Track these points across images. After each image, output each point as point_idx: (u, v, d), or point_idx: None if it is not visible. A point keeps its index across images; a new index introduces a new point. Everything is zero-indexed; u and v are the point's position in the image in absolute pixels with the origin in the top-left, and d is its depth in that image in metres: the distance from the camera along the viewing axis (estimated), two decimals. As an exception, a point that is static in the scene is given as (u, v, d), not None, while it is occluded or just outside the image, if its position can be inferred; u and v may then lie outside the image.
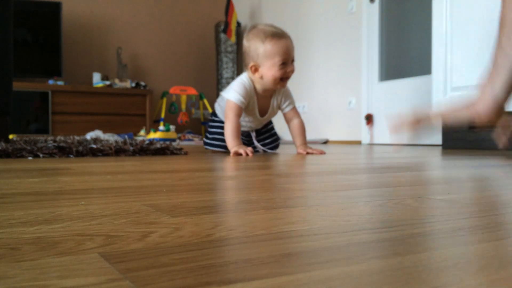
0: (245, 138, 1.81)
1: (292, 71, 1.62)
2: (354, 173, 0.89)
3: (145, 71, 4.84)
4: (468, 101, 0.90)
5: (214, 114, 1.87)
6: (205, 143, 1.86)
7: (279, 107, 1.77)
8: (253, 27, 1.67)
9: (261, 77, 1.62)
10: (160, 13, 4.87)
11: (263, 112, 1.74)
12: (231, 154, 1.53)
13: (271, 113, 1.77)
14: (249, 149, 1.52)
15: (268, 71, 1.59)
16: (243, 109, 1.66)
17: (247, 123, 1.77)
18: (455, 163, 1.18)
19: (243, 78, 1.67)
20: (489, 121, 0.87)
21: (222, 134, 1.77)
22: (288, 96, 1.76)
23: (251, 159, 1.37)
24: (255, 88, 1.68)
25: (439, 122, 0.94)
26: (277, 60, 1.58)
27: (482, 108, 0.86)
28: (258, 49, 1.59)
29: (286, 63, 1.59)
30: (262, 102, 1.72)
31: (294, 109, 1.77)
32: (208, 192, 0.61)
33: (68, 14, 4.42)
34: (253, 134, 1.80)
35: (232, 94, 1.64)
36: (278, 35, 1.59)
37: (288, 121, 1.78)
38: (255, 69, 1.62)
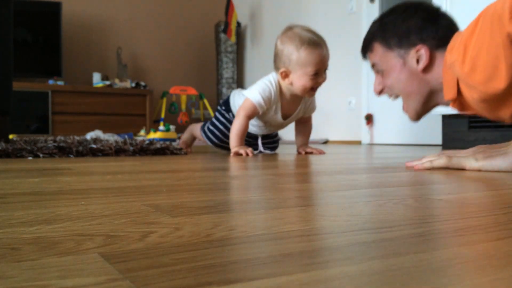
0: (252, 140, 1.76)
1: (324, 80, 1.55)
2: (354, 173, 0.89)
3: (145, 71, 4.84)
4: (506, 152, 0.89)
5: (227, 108, 1.76)
6: (204, 132, 1.80)
7: (304, 112, 1.70)
8: (289, 28, 1.56)
9: (291, 84, 1.55)
10: (160, 13, 4.87)
11: (286, 116, 1.67)
12: (232, 154, 1.53)
13: (294, 117, 1.70)
14: (249, 150, 1.51)
15: (299, 80, 1.52)
16: (258, 113, 1.59)
17: (262, 128, 1.72)
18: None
19: (271, 81, 1.58)
20: None
21: (224, 135, 1.73)
22: (315, 105, 1.73)
23: (251, 159, 1.37)
24: (281, 92, 1.60)
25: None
26: (309, 70, 1.49)
27: None
28: (292, 55, 1.50)
29: (319, 73, 1.52)
30: (287, 107, 1.64)
31: (311, 115, 1.76)
32: (208, 192, 0.61)
33: (68, 14, 4.42)
34: (260, 139, 1.77)
35: (255, 95, 1.56)
36: (314, 43, 1.50)
37: (300, 123, 1.75)
38: (286, 75, 1.54)
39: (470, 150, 0.97)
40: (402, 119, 3.14)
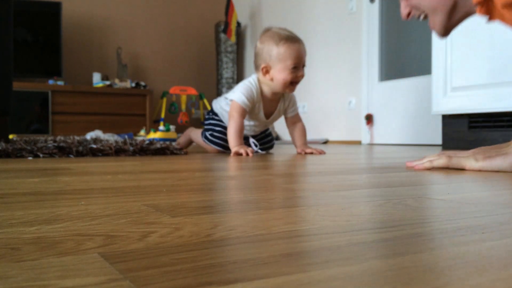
0: (244, 142, 1.80)
1: (302, 76, 1.63)
2: (354, 173, 0.89)
3: (145, 71, 4.84)
4: (506, 153, 0.88)
5: (214, 112, 1.84)
6: (206, 138, 1.81)
7: (285, 111, 1.77)
8: (267, 29, 1.68)
9: (271, 79, 1.62)
10: (160, 13, 4.87)
11: (268, 114, 1.74)
12: (232, 153, 1.54)
13: (276, 116, 1.77)
14: (249, 149, 1.52)
15: (279, 74, 1.60)
16: (247, 111, 1.65)
17: (251, 127, 1.76)
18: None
19: (251, 81, 1.67)
20: None
21: (224, 134, 1.75)
22: (294, 102, 1.79)
23: (251, 159, 1.37)
24: (262, 91, 1.68)
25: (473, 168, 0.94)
26: (289, 64, 1.58)
27: None
28: (272, 51, 1.60)
29: (298, 68, 1.61)
30: (268, 105, 1.72)
31: (298, 114, 1.80)
32: (208, 192, 0.61)
33: (68, 14, 4.42)
34: (251, 139, 1.80)
35: (237, 95, 1.64)
36: (292, 39, 1.61)
37: (290, 125, 1.79)
38: (266, 71, 1.62)
39: (471, 151, 0.97)
40: (402, 119, 3.14)
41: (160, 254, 0.28)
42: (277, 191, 0.61)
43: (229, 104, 1.70)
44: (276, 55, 1.59)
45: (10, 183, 0.69)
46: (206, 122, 1.85)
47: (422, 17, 1.06)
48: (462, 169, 0.93)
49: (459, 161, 0.94)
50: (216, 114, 1.82)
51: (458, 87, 2.27)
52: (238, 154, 1.52)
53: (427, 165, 0.98)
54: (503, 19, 0.93)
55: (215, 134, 1.78)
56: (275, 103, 1.73)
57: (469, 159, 0.93)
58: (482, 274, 0.25)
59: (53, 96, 4.07)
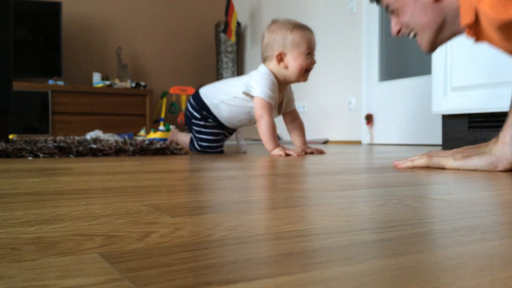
0: (229, 135, 1.78)
1: (315, 62, 1.63)
2: (354, 173, 0.89)
3: (145, 71, 4.84)
4: (487, 154, 0.89)
5: (204, 116, 1.69)
6: (197, 150, 1.71)
7: (286, 104, 1.73)
8: (274, 21, 1.65)
9: (286, 67, 1.59)
10: (160, 13, 4.87)
11: (279, 108, 1.71)
12: (282, 155, 1.51)
13: (282, 108, 1.72)
14: (293, 151, 1.52)
15: (295, 60, 1.58)
16: (273, 106, 1.59)
17: (251, 119, 1.68)
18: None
19: (268, 73, 1.59)
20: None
21: (218, 141, 1.69)
22: (293, 97, 1.77)
23: (251, 159, 1.37)
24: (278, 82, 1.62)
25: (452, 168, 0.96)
26: (304, 49, 1.58)
27: (503, 166, 0.87)
28: (286, 38, 1.58)
29: (311, 54, 1.60)
30: (280, 96, 1.67)
31: (296, 109, 1.78)
32: (208, 192, 0.61)
33: (68, 14, 4.42)
34: (238, 132, 1.78)
35: (263, 91, 1.55)
36: (304, 26, 1.62)
37: (289, 121, 1.76)
38: (281, 58, 1.59)
39: (452, 150, 1.00)
40: (402, 119, 3.14)
41: (160, 254, 0.28)
42: (277, 191, 0.61)
43: (236, 97, 1.61)
44: (291, 42, 1.57)
45: (10, 183, 0.69)
46: (195, 128, 1.71)
47: (412, 35, 1.09)
48: (442, 168, 0.96)
49: (439, 161, 0.97)
50: (207, 117, 1.68)
51: (458, 87, 2.27)
52: (287, 155, 1.50)
53: (409, 164, 1.01)
54: (491, 41, 0.96)
55: (208, 144, 1.68)
56: (282, 94, 1.69)
57: (448, 159, 0.96)
58: (482, 274, 0.25)
59: (53, 96, 4.07)
